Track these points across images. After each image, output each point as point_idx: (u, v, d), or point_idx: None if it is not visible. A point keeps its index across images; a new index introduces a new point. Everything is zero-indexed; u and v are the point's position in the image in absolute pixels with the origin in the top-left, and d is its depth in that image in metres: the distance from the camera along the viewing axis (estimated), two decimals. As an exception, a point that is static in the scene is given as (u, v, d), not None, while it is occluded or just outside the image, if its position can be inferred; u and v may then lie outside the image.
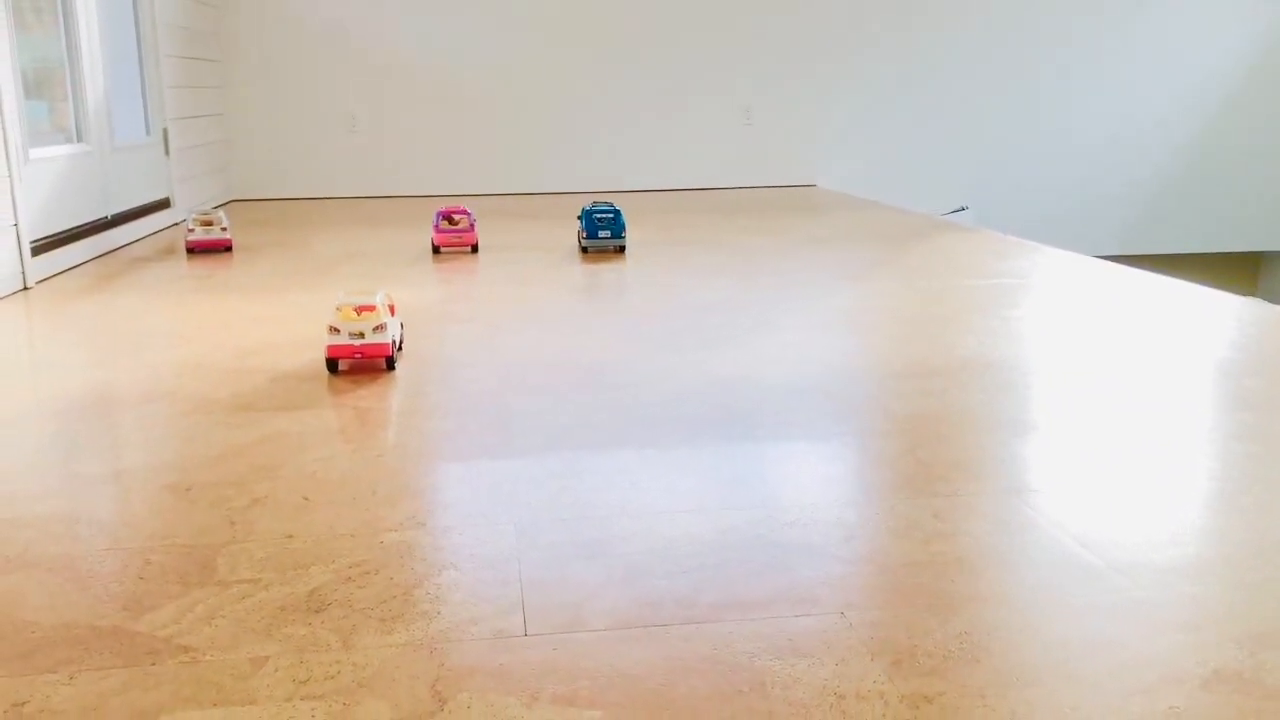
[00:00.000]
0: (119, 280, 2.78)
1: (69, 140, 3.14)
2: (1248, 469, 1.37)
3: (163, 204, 3.84)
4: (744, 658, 0.93)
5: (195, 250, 3.22)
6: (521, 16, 4.79)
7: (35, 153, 2.81)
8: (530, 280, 2.74)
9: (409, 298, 2.52)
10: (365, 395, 1.73)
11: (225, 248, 3.25)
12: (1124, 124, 5.20)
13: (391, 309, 1.95)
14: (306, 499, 1.30)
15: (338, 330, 1.83)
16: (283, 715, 0.85)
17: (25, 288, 2.65)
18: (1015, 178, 5.20)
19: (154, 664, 0.93)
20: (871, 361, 1.92)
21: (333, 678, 0.91)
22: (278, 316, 2.33)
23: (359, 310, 1.85)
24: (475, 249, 3.20)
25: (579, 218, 3.16)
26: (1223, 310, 2.33)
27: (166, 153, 3.88)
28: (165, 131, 3.86)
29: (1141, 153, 5.24)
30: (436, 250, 3.19)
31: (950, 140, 5.14)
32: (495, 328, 2.22)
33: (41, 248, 2.79)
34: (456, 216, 3.19)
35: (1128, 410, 1.62)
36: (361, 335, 1.83)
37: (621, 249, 3.16)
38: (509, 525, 1.22)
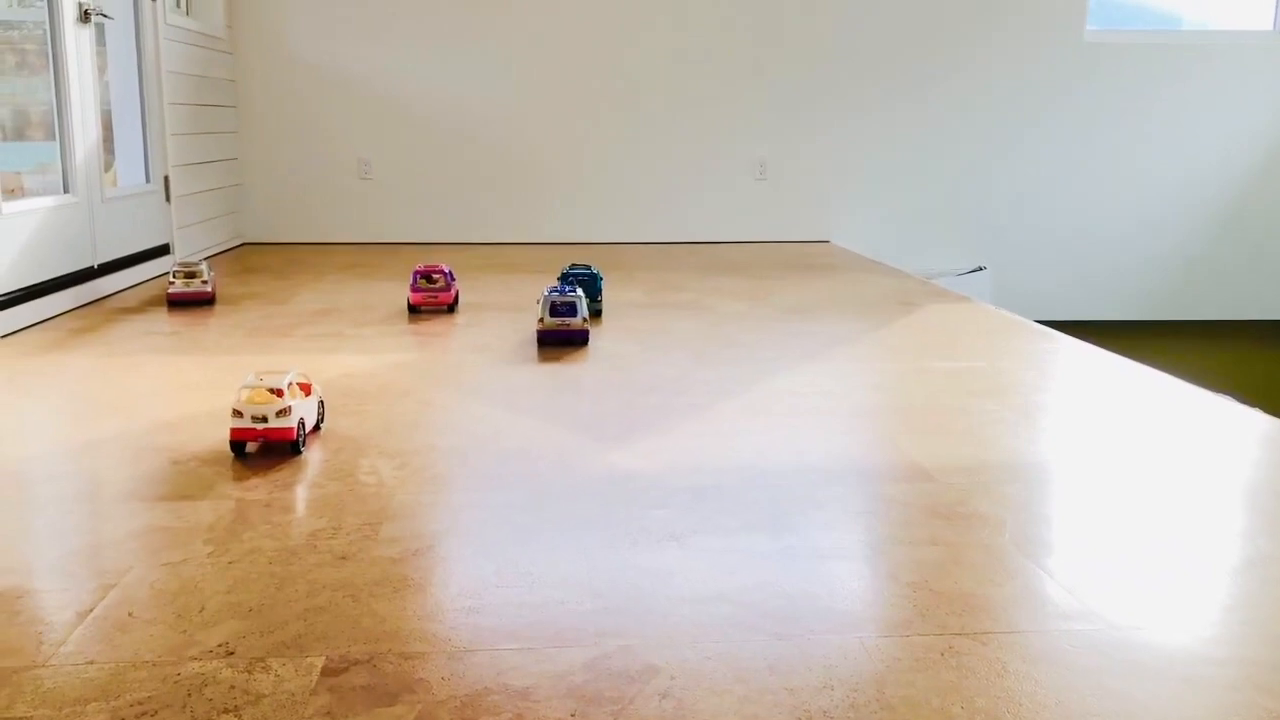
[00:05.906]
0: (86, 336, 2.78)
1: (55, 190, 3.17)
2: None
3: (162, 250, 3.86)
4: None
5: (176, 303, 3.21)
6: (533, 64, 4.77)
7: (8, 207, 2.83)
8: (492, 348, 2.68)
9: (356, 364, 2.48)
10: (257, 485, 1.68)
11: (206, 300, 3.24)
12: (1148, 187, 5.03)
13: (306, 388, 1.91)
14: (131, 615, 1.24)
15: (240, 414, 1.79)
16: None
17: (-12, 342, 2.66)
18: (1036, 238, 5.05)
19: None
20: (813, 461, 1.83)
21: None
22: (216, 383, 2.30)
23: (270, 392, 1.81)
24: (452, 308, 3.16)
25: (559, 279, 3.10)
26: (1208, 413, 2.20)
27: (167, 199, 3.90)
28: (166, 179, 3.89)
29: (1168, 217, 5.06)
30: (414, 309, 3.15)
31: (969, 198, 5.01)
32: (428, 405, 2.16)
33: (14, 300, 2.80)
34: (434, 275, 3.15)
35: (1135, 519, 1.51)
36: (264, 419, 1.79)
37: (598, 312, 3.09)
38: (319, 658, 1.15)
